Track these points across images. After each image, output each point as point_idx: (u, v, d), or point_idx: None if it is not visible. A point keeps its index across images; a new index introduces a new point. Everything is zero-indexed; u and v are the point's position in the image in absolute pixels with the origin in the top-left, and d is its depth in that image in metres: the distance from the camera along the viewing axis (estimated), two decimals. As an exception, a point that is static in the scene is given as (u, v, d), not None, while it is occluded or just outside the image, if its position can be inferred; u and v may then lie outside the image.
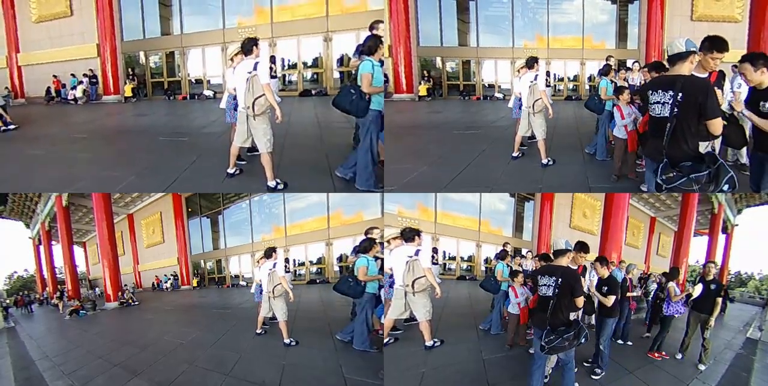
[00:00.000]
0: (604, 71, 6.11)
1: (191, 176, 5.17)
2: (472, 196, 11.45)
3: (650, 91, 3.01)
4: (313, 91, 11.69)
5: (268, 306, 5.34)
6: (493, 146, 6.63)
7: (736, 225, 14.75)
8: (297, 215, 12.39)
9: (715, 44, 3.26)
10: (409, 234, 4.41)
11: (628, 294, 5.98)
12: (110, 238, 11.68)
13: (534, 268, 6.22)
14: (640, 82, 6.57)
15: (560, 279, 3.42)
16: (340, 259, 11.77)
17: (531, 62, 5.74)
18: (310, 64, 11.95)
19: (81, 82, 12.35)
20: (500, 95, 12.44)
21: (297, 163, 5.32)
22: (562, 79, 12.92)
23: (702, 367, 4.91)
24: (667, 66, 4.38)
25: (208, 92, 12.28)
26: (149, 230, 16.21)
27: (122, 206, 16.05)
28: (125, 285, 13.61)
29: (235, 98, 4.74)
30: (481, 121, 9.30)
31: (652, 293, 6.88)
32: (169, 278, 15.21)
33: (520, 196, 12.21)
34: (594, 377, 4.42)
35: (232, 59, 5.10)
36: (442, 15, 12.62)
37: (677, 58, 2.97)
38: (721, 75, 3.50)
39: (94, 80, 12.38)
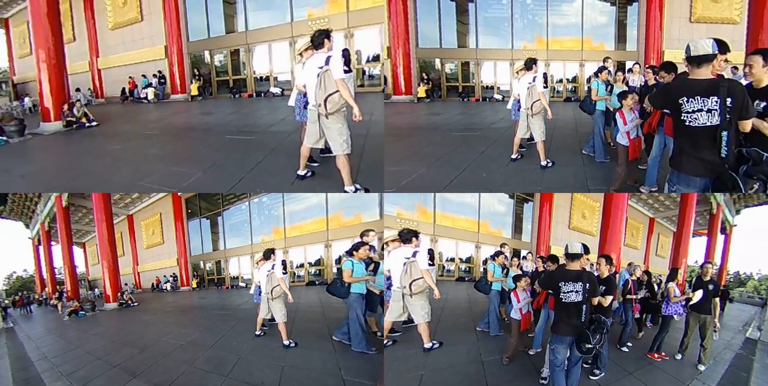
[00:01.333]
0: (597, 72, 6.13)
1: (258, 175, 5.06)
2: (471, 197, 11.45)
3: (684, 99, 2.72)
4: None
5: (267, 307, 5.34)
6: (493, 148, 6.64)
7: (735, 226, 14.80)
8: (296, 216, 12.40)
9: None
10: (407, 236, 4.41)
11: (629, 297, 5.92)
12: (110, 239, 11.69)
13: (535, 270, 6.18)
14: (640, 84, 6.58)
15: (587, 284, 3.45)
16: (339, 261, 11.76)
17: (530, 64, 5.74)
18: (571, 79, 11.41)
19: (151, 83, 12.93)
20: (499, 97, 12.46)
21: (380, 166, 4.98)
22: (561, 81, 12.95)
23: (701, 368, 4.91)
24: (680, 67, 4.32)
25: (275, 90, 12.05)
26: (149, 231, 16.21)
27: (122, 207, 16.05)
28: (125, 284, 13.62)
29: (305, 95, 4.46)
30: (480, 122, 9.31)
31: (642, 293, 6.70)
32: (168, 280, 15.20)
33: (519, 197, 12.22)
34: (593, 378, 4.41)
35: (301, 54, 4.68)
36: (441, 16, 12.64)
37: (704, 59, 2.73)
38: (721, 77, 3.50)
39: (163, 80, 12.94)
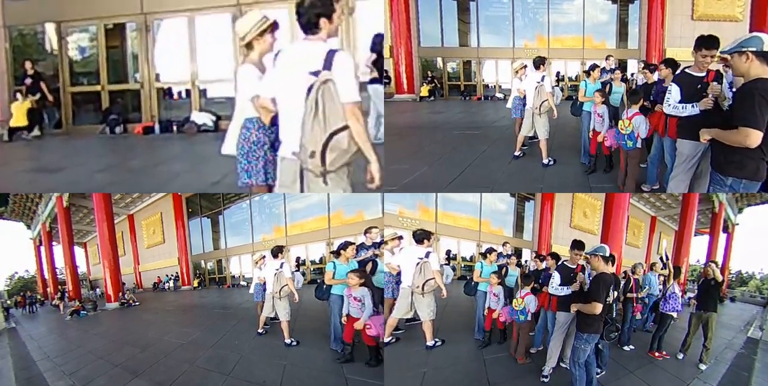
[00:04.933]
0: (587, 71, 6.11)
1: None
2: (472, 196, 11.44)
3: None
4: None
5: (271, 306, 5.31)
6: (494, 146, 6.64)
7: (737, 224, 14.73)
8: (297, 214, 12.38)
9: (699, 42, 3.32)
10: (419, 236, 4.44)
11: (629, 295, 5.87)
12: (111, 238, 11.67)
13: (536, 268, 6.15)
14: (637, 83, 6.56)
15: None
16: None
17: (538, 63, 5.67)
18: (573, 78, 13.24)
19: None
20: (501, 95, 12.46)
21: (563, 146, 6.41)
22: (562, 79, 12.93)
23: (703, 367, 4.89)
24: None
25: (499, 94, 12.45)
26: (150, 230, 16.22)
27: (123, 207, 16.06)
28: (124, 284, 13.61)
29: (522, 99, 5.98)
30: (481, 121, 9.31)
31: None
32: (170, 279, 15.21)
33: (521, 196, 12.20)
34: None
35: (516, 71, 6.28)
36: (442, 15, 12.65)
37: None
38: (719, 75, 3.47)
39: None
